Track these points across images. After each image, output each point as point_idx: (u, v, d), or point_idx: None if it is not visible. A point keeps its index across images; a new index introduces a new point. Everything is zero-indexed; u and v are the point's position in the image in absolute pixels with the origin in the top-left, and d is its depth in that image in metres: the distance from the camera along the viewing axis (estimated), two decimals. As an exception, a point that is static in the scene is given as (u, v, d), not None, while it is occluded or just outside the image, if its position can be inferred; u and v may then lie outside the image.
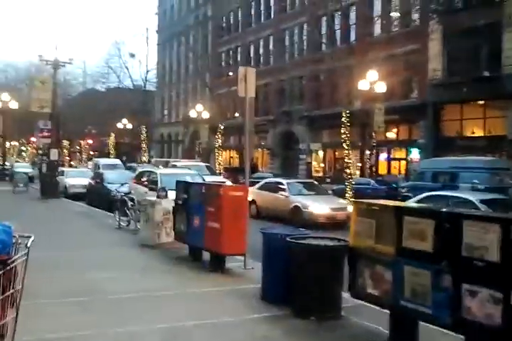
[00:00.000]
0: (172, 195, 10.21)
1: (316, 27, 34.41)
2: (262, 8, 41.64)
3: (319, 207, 15.29)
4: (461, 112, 25.36)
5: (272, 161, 39.04)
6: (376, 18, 30.11)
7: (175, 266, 8.66)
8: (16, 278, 3.24)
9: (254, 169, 38.36)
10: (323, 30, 34.35)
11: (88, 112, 53.25)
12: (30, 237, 3.34)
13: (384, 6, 29.62)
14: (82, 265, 8.54)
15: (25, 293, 6.40)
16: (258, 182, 19.11)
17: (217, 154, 35.75)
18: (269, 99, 39.71)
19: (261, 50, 41.83)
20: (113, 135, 51.95)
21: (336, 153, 32.88)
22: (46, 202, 20.76)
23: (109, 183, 19.09)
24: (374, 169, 27.98)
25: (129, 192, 14.47)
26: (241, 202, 8.28)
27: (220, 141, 35.79)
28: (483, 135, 24.29)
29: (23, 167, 35.83)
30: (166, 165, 28.22)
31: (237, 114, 38.12)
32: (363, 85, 21.88)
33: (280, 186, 16.94)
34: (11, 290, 3.18)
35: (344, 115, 21.60)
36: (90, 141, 61.89)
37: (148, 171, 17.65)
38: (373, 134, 25.81)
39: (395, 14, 29.11)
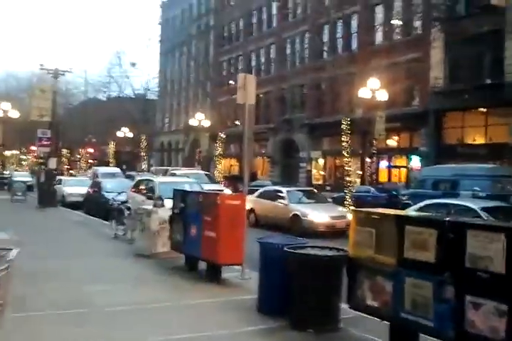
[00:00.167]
0: (169, 203, 10.02)
1: (317, 35, 34.40)
2: (263, 17, 41.70)
3: (319, 215, 15.10)
4: (463, 120, 25.21)
5: (272, 169, 38.88)
6: (378, 26, 30.08)
7: (170, 276, 8.45)
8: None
9: (253, 177, 38.25)
10: (325, 39, 34.33)
11: (89, 121, 53.22)
12: (11, 250, 3.14)
13: (386, 14, 29.59)
14: (74, 275, 8.34)
15: (13, 305, 6.25)
16: (257, 190, 18.94)
17: (217, 162, 35.59)
18: (270, 107, 39.64)
19: (262, 59, 41.82)
20: (113, 144, 51.85)
21: (337, 161, 32.69)
22: (43, 210, 20.57)
23: (107, 192, 18.90)
24: (374, 177, 27.80)
25: (126, 201, 14.28)
26: (238, 210, 8.09)
27: (220, 149, 35.66)
28: (484, 142, 24.11)
29: (22, 176, 35.63)
30: (165, 173, 28.05)
31: (237, 122, 38.02)
32: (364, 93, 21.76)
33: (279, 194, 16.75)
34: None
35: (345, 123, 21.47)
36: (91, 150, 61.80)
37: (146, 180, 17.46)
38: (374, 142, 25.64)
39: (396, 22, 29.07)
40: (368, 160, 27.44)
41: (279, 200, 16.42)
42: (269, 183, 27.95)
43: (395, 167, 29.38)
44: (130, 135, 45.97)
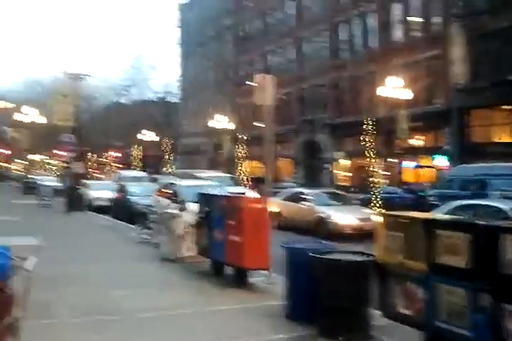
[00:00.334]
0: (192, 207, 9.99)
1: (335, 34, 34.14)
2: (280, 17, 41.55)
3: (344, 217, 14.93)
4: (488, 117, 24.73)
5: (296, 170, 38.68)
6: (396, 24, 29.71)
7: (196, 281, 8.41)
8: (15, 305, 2.99)
9: (276, 179, 38.10)
10: (343, 37, 34.04)
11: (113, 125, 53.74)
12: (31, 260, 3.09)
13: (404, 12, 29.22)
14: (98, 280, 8.36)
15: (35, 312, 6.26)
16: (281, 192, 18.83)
17: (239, 164, 35.54)
18: (291, 108, 39.44)
19: (281, 59, 41.68)
20: (137, 147, 52.26)
21: (361, 162, 32.34)
22: (70, 215, 20.77)
23: (132, 196, 18.99)
24: (400, 177, 27.43)
25: (151, 205, 14.30)
26: (262, 214, 8.00)
27: (242, 151, 35.62)
28: (511, 141, 23.60)
29: (49, 180, 36.07)
30: (189, 176, 28.06)
31: (258, 124, 37.93)
32: (385, 92, 21.52)
33: (304, 196, 16.61)
34: (10, 319, 2.92)
35: (367, 123, 21.24)
36: (116, 154, 62.40)
37: (170, 183, 17.48)
38: (398, 142, 25.32)
39: (415, 19, 28.69)
40: (392, 160, 27.09)
41: (304, 202, 16.28)
42: (293, 185, 27.81)
43: (421, 167, 28.94)
44: (154, 138, 46.29)
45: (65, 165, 27.77)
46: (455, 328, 4.32)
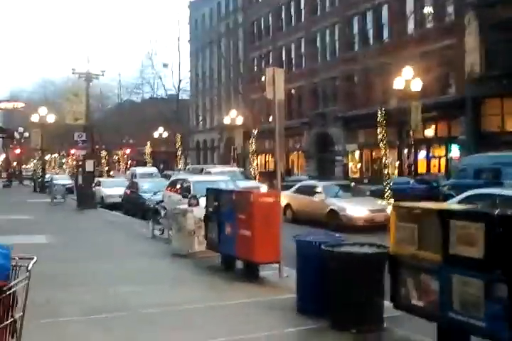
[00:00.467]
0: (204, 202, 9.90)
1: (347, 27, 33.85)
2: (292, 11, 41.32)
3: (356, 209, 14.77)
4: (502, 106, 24.36)
5: (308, 164, 38.54)
6: (409, 14, 29.34)
7: (207, 276, 8.33)
8: (15, 306, 2.91)
9: (288, 172, 37.96)
10: (355, 30, 33.75)
11: (125, 123, 53.93)
12: (32, 259, 3.00)
13: (417, 2, 28.84)
14: (110, 277, 8.32)
15: (45, 311, 6.23)
16: (293, 185, 18.71)
17: (251, 159, 35.46)
18: (303, 102, 39.30)
19: (293, 54, 41.47)
20: (149, 144, 52.41)
21: (373, 153, 32.14)
22: (82, 212, 20.83)
23: (144, 192, 18.98)
24: (413, 168, 27.15)
25: (162, 201, 14.27)
26: (273, 207, 7.92)
27: (254, 145, 35.50)
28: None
29: (62, 179, 36.28)
30: (200, 171, 28.06)
31: (270, 118, 37.80)
32: (398, 83, 21.23)
33: (315, 189, 16.47)
34: (10, 320, 2.84)
35: (380, 114, 20.98)
36: (128, 151, 62.66)
37: (181, 179, 17.44)
38: (411, 132, 25.02)
39: (428, 9, 28.29)
40: (405, 151, 26.81)
41: (316, 195, 16.14)
42: (305, 178, 27.68)
43: (434, 157, 28.64)
44: (165, 135, 46.36)
45: (77, 163, 27.89)
46: (470, 319, 4.18)
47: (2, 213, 18.93)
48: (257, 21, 46.15)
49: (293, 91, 39.08)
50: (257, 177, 31.75)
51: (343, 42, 34.59)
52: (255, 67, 45.71)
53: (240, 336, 5.38)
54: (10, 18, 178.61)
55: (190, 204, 10.51)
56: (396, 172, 26.71)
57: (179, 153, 46.45)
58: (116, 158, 67.41)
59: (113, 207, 22.11)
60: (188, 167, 39.58)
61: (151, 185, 19.75)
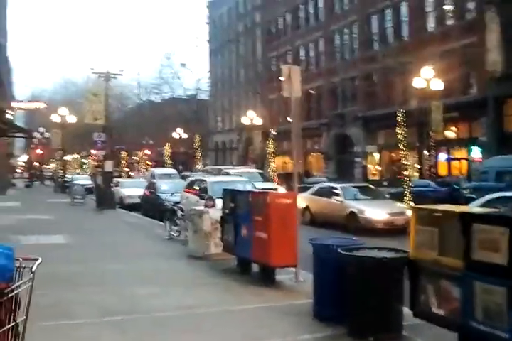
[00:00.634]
0: (221, 203, 9.80)
1: (366, 25, 33.53)
2: (310, 10, 41.11)
3: (376, 212, 14.53)
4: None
5: (327, 165, 38.26)
6: (429, 12, 28.93)
7: (222, 278, 8.21)
8: (18, 309, 2.83)
9: (307, 174, 37.71)
10: (374, 28, 33.41)
11: (145, 123, 54.24)
12: (36, 260, 2.92)
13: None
14: (125, 278, 8.26)
15: (57, 312, 6.18)
16: (311, 187, 18.52)
17: (270, 160, 35.34)
18: (322, 102, 39.05)
19: (311, 53, 41.26)
20: (168, 145, 52.63)
21: (393, 155, 31.75)
22: (101, 213, 20.90)
23: (162, 193, 18.97)
24: (433, 170, 26.73)
25: (179, 202, 14.21)
26: (290, 209, 7.76)
27: (272, 146, 35.37)
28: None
29: (83, 179, 36.60)
30: (218, 172, 28.02)
31: (289, 119, 37.61)
32: (418, 83, 20.93)
33: (334, 191, 16.26)
34: (12, 323, 2.76)
35: (400, 115, 20.69)
36: (148, 152, 63.00)
37: (198, 179, 17.38)
38: (431, 133, 24.64)
39: (448, 7, 27.86)
40: (425, 152, 26.41)
41: (334, 197, 15.94)
42: (324, 180, 27.44)
43: (455, 159, 28.18)
44: (184, 136, 46.51)
45: (99, 163, 28.08)
46: (492, 329, 3.99)
47: (22, 213, 19.13)
48: (275, 20, 46.03)
49: (311, 91, 38.87)
50: (275, 178, 31.60)
51: (362, 40, 34.27)
52: (273, 67, 45.60)
53: (255, 342, 5.26)
54: (33, 19, 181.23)
55: (206, 206, 10.42)
56: (416, 174, 26.32)
57: (198, 154, 46.56)
58: (136, 158, 67.86)
59: (132, 207, 22.17)
60: (206, 168, 39.64)
61: (170, 186, 19.76)
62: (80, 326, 5.74)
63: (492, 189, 14.32)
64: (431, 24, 29.17)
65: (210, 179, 16.72)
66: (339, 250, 5.54)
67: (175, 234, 13.02)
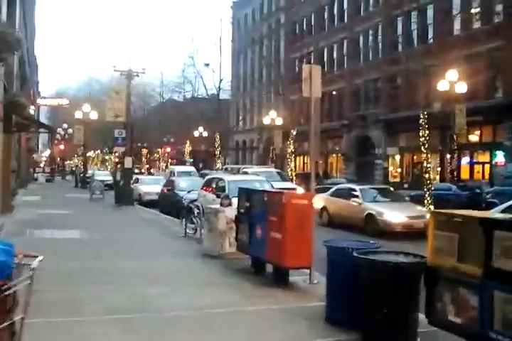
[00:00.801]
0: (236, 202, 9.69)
1: (391, 27, 33.16)
2: (335, 11, 40.83)
3: (395, 214, 14.28)
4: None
5: (347, 167, 37.96)
6: (455, 15, 28.47)
7: (236, 278, 8.10)
8: (15, 307, 2.74)
9: (326, 175, 37.45)
10: (399, 30, 33.02)
11: (166, 122, 54.53)
12: (36, 257, 2.83)
13: (463, 1, 27.96)
14: (138, 276, 8.19)
15: (65, 309, 6.13)
16: (331, 188, 18.34)
17: (289, 160, 35.17)
18: (344, 103, 38.76)
19: (334, 54, 40.98)
20: (189, 143, 52.82)
21: (414, 158, 31.35)
22: (119, 209, 20.98)
23: (180, 190, 18.95)
24: (455, 174, 26.29)
25: (196, 200, 14.14)
26: (306, 210, 7.61)
27: (292, 146, 35.20)
28: None
29: (103, 175, 36.87)
30: (237, 171, 27.97)
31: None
32: (442, 85, 20.60)
33: (353, 192, 16.05)
34: (8, 322, 2.67)
35: (422, 117, 20.36)
36: (169, 149, 63.34)
37: (216, 178, 17.32)
38: (454, 137, 24.23)
39: (475, 9, 27.38)
40: (448, 156, 25.99)
41: (353, 199, 15.73)
42: (343, 181, 27.18)
43: (478, 163, 27.70)
44: (205, 134, 46.63)
45: (119, 160, 28.22)
46: (512, 341, 3.82)
47: (41, 207, 19.30)
48: (299, 21, 45.82)
49: (334, 92, 38.59)
50: (294, 178, 31.44)
51: (387, 42, 33.90)
52: (296, 68, 45.39)
53: (265, 345, 5.14)
54: (60, 18, 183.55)
55: (222, 204, 10.33)
56: (437, 177, 25.92)
57: (218, 152, 46.63)
58: (157, 156, 68.28)
59: (150, 204, 22.22)
60: (225, 166, 39.64)
61: (188, 184, 19.72)
62: (87, 323, 5.69)
63: (515, 194, 14.00)
64: (457, 27, 28.73)
65: (227, 177, 16.63)
66: (354, 253, 5.39)
67: (190, 232, 12.97)
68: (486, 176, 26.52)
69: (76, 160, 58.88)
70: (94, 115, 35.08)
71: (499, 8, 25.91)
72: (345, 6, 39.38)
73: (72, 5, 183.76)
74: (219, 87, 49.07)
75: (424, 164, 20.01)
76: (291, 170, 34.17)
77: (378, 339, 5.04)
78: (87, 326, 5.61)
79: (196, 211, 12.81)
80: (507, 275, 3.88)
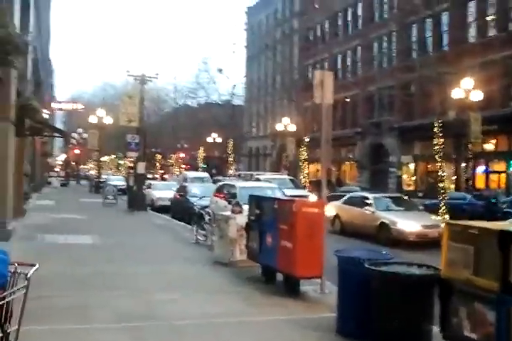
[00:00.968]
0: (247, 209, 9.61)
1: (405, 34, 32.99)
2: (349, 18, 40.75)
3: (408, 223, 14.09)
4: None
5: (360, 174, 37.71)
6: (470, 23, 28.26)
7: (245, 287, 8.00)
8: (9, 317, 2.66)
9: (339, 182, 37.23)
10: (413, 37, 32.84)
11: (180, 127, 54.69)
12: (33, 266, 2.75)
13: (479, 9, 27.75)
14: (148, 282, 8.13)
15: (73, 315, 6.07)
16: (344, 196, 18.19)
17: (302, 167, 35.03)
18: (357, 111, 38.57)
19: (348, 61, 40.85)
20: (203, 149, 52.91)
21: (429, 166, 31.02)
22: (132, 214, 20.99)
23: (192, 196, 18.92)
24: (470, 183, 25.96)
25: (207, 206, 14.08)
26: (317, 218, 7.49)
27: (305, 153, 35.07)
28: None
29: (117, 180, 37.02)
30: (250, 178, 27.89)
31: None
32: (457, 94, 20.40)
33: (366, 201, 15.89)
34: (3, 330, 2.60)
35: (437, 125, 20.15)
36: (182, 155, 63.50)
37: (228, 184, 17.25)
38: (469, 145, 23.95)
39: (491, 17, 27.15)
40: (463, 165, 25.69)
41: (366, 207, 15.57)
42: (357, 189, 26.97)
43: (493, 172, 27.34)
44: (219, 140, 46.67)
45: (134, 165, 28.28)
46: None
47: (55, 212, 19.36)
48: (313, 28, 45.79)
49: (347, 99, 38.44)
50: (307, 185, 31.29)
51: (401, 49, 33.70)
52: (309, 74, 45.34)
53: (272, 356, 5.04)
54: (75, 23, 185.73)
55: (233, 211, 10.25)
56: (452, 186, 25.61)
57: (231, 158, 46.64)
58: (171, 161, 68.45)
59: (162, 209, 22.22)
60: (238, 173, 39.59)
61: (201, 190, 19.69)
62: (96, 331, 5.62)
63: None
64: (472, 34, 28.51)
65: (239, 184, 16.57)
66: (365, 264, 5.28)
67: (201, 239, 12.90)
68: (502, 185, 26.18)
69: (91, 165, 59.31)
70: (108, 120, 35.30)
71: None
72: (360, 12, 39.29)
73: (89, 11, 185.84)
74: (232, 92, 49.24)
75: (439, 173, 19.76)
76: (305, 177, 34.01)
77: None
78: (97, 333, 5.55)
79: (207, 217, 12.75)
80: (525, 290, 3.75)
